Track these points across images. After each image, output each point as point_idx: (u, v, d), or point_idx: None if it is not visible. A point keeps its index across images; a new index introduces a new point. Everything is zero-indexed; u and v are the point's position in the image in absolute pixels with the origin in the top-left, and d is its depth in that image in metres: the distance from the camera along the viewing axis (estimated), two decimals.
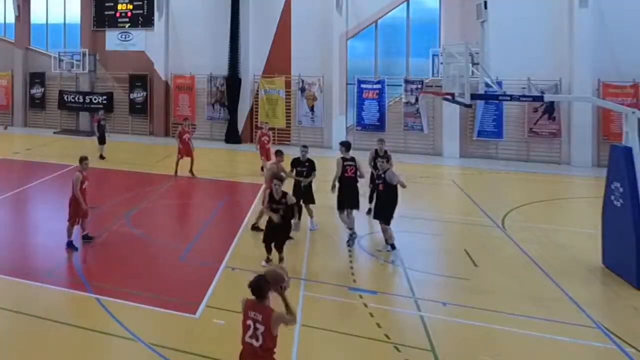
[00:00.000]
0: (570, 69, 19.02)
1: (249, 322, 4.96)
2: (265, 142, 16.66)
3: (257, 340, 4.91)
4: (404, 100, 21.25)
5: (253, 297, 5.04)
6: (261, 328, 4.90)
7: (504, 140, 19.99)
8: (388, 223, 10.19)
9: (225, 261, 9.71)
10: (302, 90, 22.55)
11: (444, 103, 18.27)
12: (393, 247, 10.23)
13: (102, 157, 18.93)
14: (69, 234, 10.27)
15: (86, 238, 10.52)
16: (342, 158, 11.02)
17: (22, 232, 11.92)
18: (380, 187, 10.29)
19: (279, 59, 22.99)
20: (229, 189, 15.85)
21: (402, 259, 9.96)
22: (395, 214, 12.51)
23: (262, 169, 16.53)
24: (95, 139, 19.76)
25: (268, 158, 16.00)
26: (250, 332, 4.94)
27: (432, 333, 7.28)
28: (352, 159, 11.02)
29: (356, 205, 10.95)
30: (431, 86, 20.41)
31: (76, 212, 10.25)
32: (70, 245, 10.21)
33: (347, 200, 10.86)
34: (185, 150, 16.42)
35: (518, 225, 11.99)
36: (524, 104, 19.07)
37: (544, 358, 6.88)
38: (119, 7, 26.20)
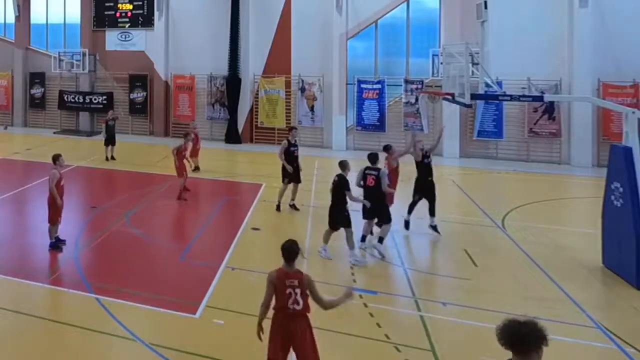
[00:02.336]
0: (570, 69, 19.02)
1: (289, 290, 5.38)
2: (194, 141, 17.00)
3: (299, 304, 5.39)
4: (404, 100, 21.25)
5: (282, 266, 5.52)
6: (298, 292, 5.38)
7: (504, 140, 20.00)
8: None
9: (225, 261, 9.71)
10: (302, 90, 22.56)
11: (444, 103, 18.28)
12: (363, 239, 10.43)
13: (112, 157, 18.89)
14: (51, 235, 10.24)
15: (58, 240, 10.29)
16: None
17: (22, 232, 11.90)
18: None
19: (279, 59, 23.00)
20: (229, 189, 15.85)
21: (402, 259, 9.97)
22: (396, 214, 12.58)
23: (197, 167, 16.93)
24: (101, 139, 19.70)
25: (196, 156, 16.99)
26: (292, 299, 5.37)
27: (432, 333, 7.28)
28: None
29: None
30: (431, 86, 20.43)
31: (56, 212, 10.18)
32: (53, 246, 10.17)
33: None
34: (183, 169, 14.36)
35: (518, 225, 11.99)
36: (524, 104, 19.08)
37: (544, 358, 6.87)
38: (119, 7, 26.22)
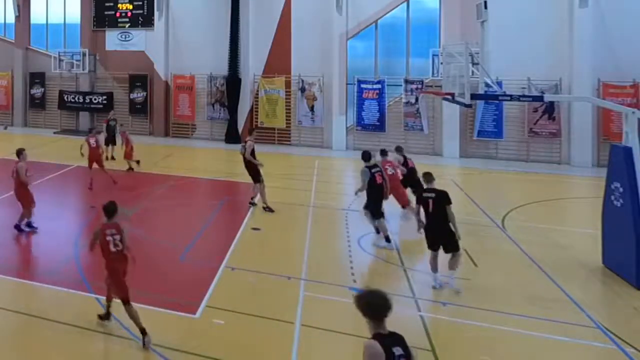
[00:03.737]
0: (570, 69, 19.02)
1: (109, 238, 7.03)
2: (125, 142, 17.48)
3: (118, 246, 7.04)
4: (404, 100, 21.25)
5: (104, 221, 7.21)
6: (117, 237, 7.05)
7: (504, 140, 20.00)
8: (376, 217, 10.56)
9: (225, 261, 9.70)
10: (302, 90, 22.56)
11: (444, 103, 18.28)
12: (387, 239, 10.44)
13: (112, 157, 18.92)
14: (29, 215, 11.17)
15: (30, 226, 11.22)
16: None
17: (22, 232, 11.88)
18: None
19: (279, 59, 23.00)
20: (229, 189, 15.84)
21: (402, 259, 9.96)
22: (396, 215, 12.60)
23: (131, 168, 17.31)
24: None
25: (130, 157, 17.38)
26: (112, 243, 7.02)
27: (432, 333, 7.27)
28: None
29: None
30: (431, 86, 20.42)
31: (30, 198, 11.15)
32: (30, 226, 11.15)
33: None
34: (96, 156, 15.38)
35: (518, 225, 11.99)
36: (524, 104, 19.07)
37: (544, 358, 6.88)
38: (119, 7, 26.23)
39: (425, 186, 9.07)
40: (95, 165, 15.26)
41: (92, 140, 15.37)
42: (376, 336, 4.05)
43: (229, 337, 7.21)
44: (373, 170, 10.61)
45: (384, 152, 12.11)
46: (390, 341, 4.04)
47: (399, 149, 12.90)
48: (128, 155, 17.42)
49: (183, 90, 24.68)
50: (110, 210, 7.26)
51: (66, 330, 7.34)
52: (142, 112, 25.55)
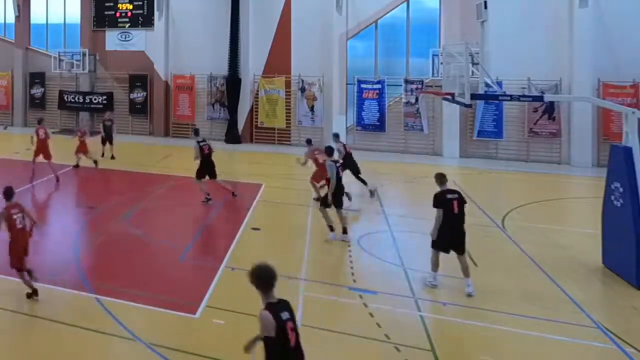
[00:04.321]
0: (570, 69, 19.01)
1: (15, 216, 7.99)
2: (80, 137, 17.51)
3: (22, 224, 8.05)
4: (404, 100, 21.25)
5: (8, 202, 8.15)
6: (20, 215, 8.06)
7: (504, 140, 19.99)
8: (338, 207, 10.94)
9: (225, 261, 9.70)
10: (302, 90, 22.55)
11: (444, 103, 18.27)
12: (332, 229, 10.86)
13: (112, 157, 18.91)
14: None
15: None
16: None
17: None
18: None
19: (279, 59, 23.00)
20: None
21: (402, 259, 9.96)
22: (396, 214, 12.61)
23: (95, 163, 17.33)
24: (98, 138, 19.80)
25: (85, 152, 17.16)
26: (18, 221, 8.01)
27: (432, 333, 7.27)
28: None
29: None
30: (431, 86, 20.41)
31: None
32: None
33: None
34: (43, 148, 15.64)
35: (518, 225, 11.99)
36: (524, 104, 19.07)
37: (544, 358, 6.88)
38: (119, 7, 26.22)
39: (440, 188, 8.81)
40: (40, 158, 15.52)
41: (41, 132, 15.49)
42: (268, 306, 4.58)
43: (229, 337, 7.21)
44: (338, 165, 11.08)
45: (309, 141, 13.85)
46: (279, 308, 4.61)
47: (335, 135, 14.47)
48: (79, 151, 17.18)
49: (183, 90, 24.67)
50: (9, 192, 8.29)
51: (66, 330, 7.34)
52: (142, 112, 25.54)
